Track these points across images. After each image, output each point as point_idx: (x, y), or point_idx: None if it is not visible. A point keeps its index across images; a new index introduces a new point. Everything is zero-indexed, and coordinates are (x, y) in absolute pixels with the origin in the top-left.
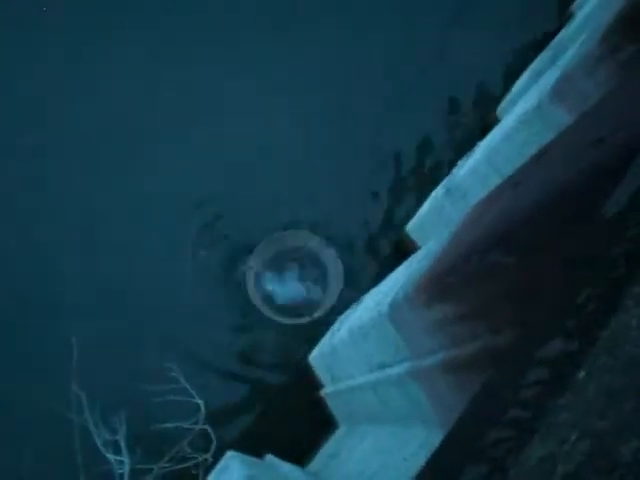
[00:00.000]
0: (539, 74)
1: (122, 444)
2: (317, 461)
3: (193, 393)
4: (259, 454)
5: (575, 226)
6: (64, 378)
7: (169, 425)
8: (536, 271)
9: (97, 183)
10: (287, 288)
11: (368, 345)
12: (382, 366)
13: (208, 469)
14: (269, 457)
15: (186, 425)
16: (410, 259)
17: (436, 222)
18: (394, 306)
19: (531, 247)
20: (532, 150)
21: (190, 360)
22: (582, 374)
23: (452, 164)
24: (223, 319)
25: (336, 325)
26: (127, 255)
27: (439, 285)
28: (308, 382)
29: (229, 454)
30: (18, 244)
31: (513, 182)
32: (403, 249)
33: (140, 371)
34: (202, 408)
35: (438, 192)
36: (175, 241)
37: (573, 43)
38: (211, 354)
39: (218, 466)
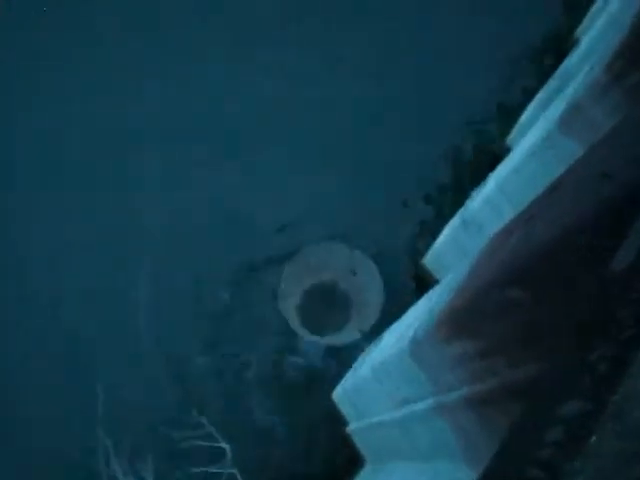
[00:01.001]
0: (547, 103)
1: None
2: None
3: (218, 437)
4: None
5: (587, 269)
6: (90, 427)
7: (196, 470)
8: (553, 308)
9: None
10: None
11: (391, 381)
12: (406, 402)
13: None
14: None
15: (213, 469)
16: (429, 293)
17: (453, 253)
18: (415, 342)
19: (547, 283)
20: (543, 181)
21: (215, 405)
22: (594, 438)
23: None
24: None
25: (358, 362)
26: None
27: (458, 321)
28: (336, 419)
29: None
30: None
31: (526, 216)
32: (422, 281)
33: (166, 417)
34: (228, 452)
35: (454, 223)
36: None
37: (579, 71)
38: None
39: None
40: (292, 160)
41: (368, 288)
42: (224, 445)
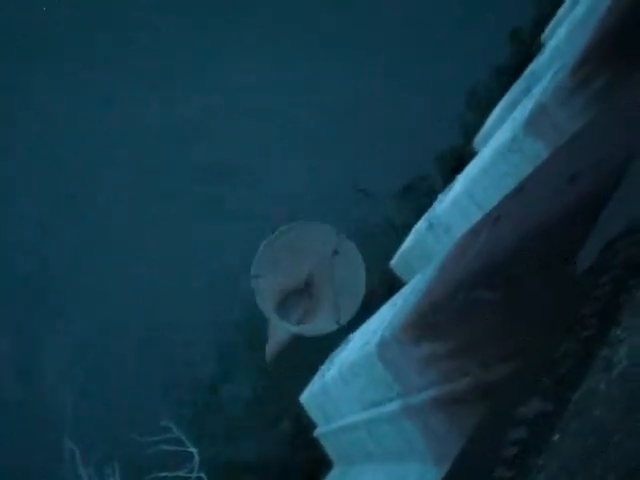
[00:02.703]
0: (513, 105)
1: None
2: None
3: (186, 442)
4: None
5: (552, 270)
6: (57, 432)
7: (164, 474)
8: (519, 308)
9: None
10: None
11: (359, 384)
12: (374, 404)
13: None
14: None
15: (181, 474)
16: (396, 296)
17: (420, 257)
18: (382, 345)
19: (513, 284)
20: (510, 182)
21: (183, 409)
22: (557, 437)
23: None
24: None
25: (326, 365)
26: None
27: (426, 322)
28: (303, 422)
29: None
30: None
31: (493, 217)
32: (389, 284)
33: (133, 421)
34: (196, 456)
35: (421, 226)
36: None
37: (545, 74)
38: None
39: None
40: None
41: (350, 276)
42: (192, 449)
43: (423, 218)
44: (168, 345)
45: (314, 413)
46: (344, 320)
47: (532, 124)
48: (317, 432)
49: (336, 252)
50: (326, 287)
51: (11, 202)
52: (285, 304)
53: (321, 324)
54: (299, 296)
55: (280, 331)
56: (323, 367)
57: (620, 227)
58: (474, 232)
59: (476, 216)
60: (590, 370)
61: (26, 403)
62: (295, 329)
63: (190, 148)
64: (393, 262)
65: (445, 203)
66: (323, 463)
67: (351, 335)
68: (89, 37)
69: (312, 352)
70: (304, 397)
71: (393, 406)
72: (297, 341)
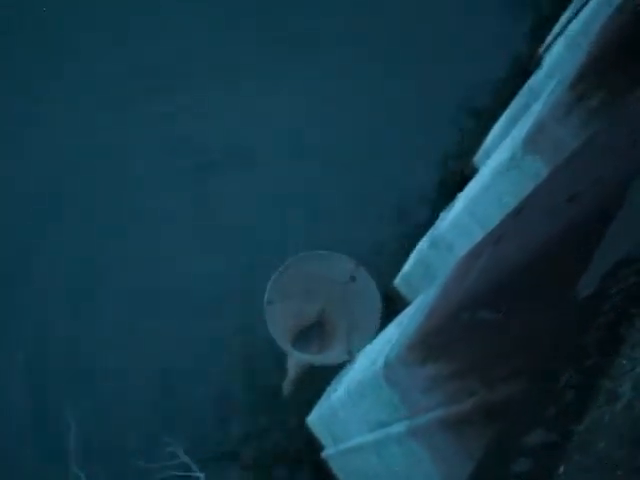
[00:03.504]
0: (513, 121)
1: None
2: None
3: (193, 467)
4: None
5: (554, 293)
6: (62, 459)
7: None
8: (521, 331)
9: None
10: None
11: (366, 404)
12: (381, 425)
13: None
14: None
15: None
16: (401, 316)
17: (423, 275)
18: (388, 365)
19: (515, 306)
20: (510, 201)
21: (190, 434)
22: (561, 469)
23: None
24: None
25: (332, 386)
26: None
27: (430, 343)
28: (312, 444)
29: None
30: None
31: (494, 237)
32: (393, 303)
33: (139, 448)
34: None
35: (423, 245)
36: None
37: (544, 90)
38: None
39: None
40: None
41: (364, 307)
42: (199, 474)
43: (425, 237)
44: (175, 374)
45: (321, 435)
46: (356, 351)
47: (531, 141)
48: (325, 454)
49: (353, 279)
50: (340, 318)
51: None
52: (300, 337)
53: (334, 354)
54: (314, 330)
55: (293, 360)
56: (329, 388)
57: (621, 254)
58: (476, 252)
59: (478, 234)
60: (594, 401)
61: (33, 424)
62: (306, 358)
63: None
64: (397, 281)
65: (447, 221)
66: None
67: (357, 354)
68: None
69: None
70: (311, 419)
71: (400, 427)
72: (314, 371)
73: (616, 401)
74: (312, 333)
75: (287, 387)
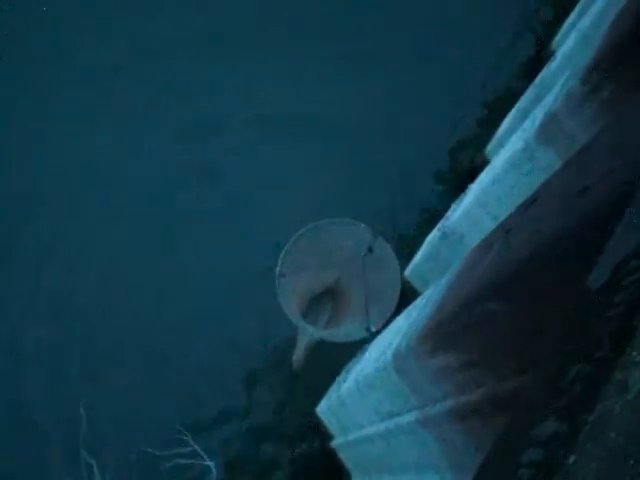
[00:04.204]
0: (525, 113)
1: None
2: None
3: (204, 455)
4: None
5: (565, 285)
6: (74, 445)
7: None
8: (531, 323)
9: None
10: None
11: (375, 395)
12: (391, 415)
13: None
14: None
15: None
16: (411, 307)
17: (434, 266)
18: (397, 356)
19: (525, 297)
20: (523, 192)
21: (201, 421)
22: (572, 459)
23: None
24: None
25: (341, 376)
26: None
27: (441, 334)
28: (322, 433)
29: None
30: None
31: (504, 229)
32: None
33: (149, 434)
34: (213, 470)
35: (434, 236)
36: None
37: (556, 82)
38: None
39: None
40: None
41: (383, 280)
42: (209, 462)
43: (436, 228)
44: (186, 358)
45: (331, 424)
46: (375, 327)
47: (543, 133)
48: (334, 443)
49: (370, 250)
50: (356, 290)
51: None
52: (311, 307)
53: (349, 329)
54: (326, 299)
55: (305, 336)
56: (339, 378)
57: (632, 246)
58: (486, 244)
59: (489, 226)
60: (605, 392)
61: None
62: (320, 334)
63: None
64: (407, 272)
65: (458, 213)
66: (344, 473)
67: (367, 345)
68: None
69: (343, 358)
70: (320, 408)
71: (410, 417)
72: (325, 347)
73: (627, 392)
74: (323, 303)
75: (298, 362)
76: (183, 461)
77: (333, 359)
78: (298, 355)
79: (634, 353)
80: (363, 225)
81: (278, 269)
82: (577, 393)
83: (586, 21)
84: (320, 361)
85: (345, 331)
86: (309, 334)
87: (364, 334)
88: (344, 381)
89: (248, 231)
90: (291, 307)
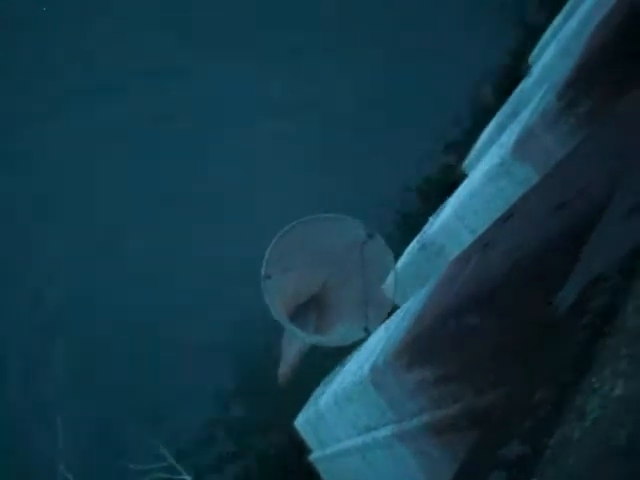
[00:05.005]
0: (502, 128)
1: None
2: None
3: (181, 470)
4: None
5: (537, 302)
6: (50, 460)
7: None
8: (505, 339)
9: None
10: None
11: (353, 408)
12: (368, 429)
13: None
14: None
15: None
16: (390, 319)
17: (412, 279)
18: (375, 370)
19: (500, 313)
20: (499, 205)
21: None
22: None
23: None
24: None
25: (319, 389)
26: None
27: (418, 348)
28: (301, 446)
29: None
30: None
31: (482, 243)
32: None
33: (125, 449)
34: None
35: (413, 248)
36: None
37: (532, 96)
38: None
39: None
40: None
41: (378, 278)
42: (186, 477)
43: (415, 239)
44: (162, 372)
45: (309, 438)
46: (373, 327)
47: (520, 147)
48: (312, 457)
49: (371, 236)
50: (349, 289)
51: None
52: (298, 311)
53: (345, 332)
54: (312, 306)
55: (295, 343)
56: (317, 391)
57: (596, 271)
58: (464, 258)
59: (467, 239)
60: (565, 417)
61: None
62: (313, 339)
63: None
64: (384, 284)
65: (436, 225)
66: None
67: (347, 357)
68: None
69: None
70: (299, 422)
71: (387, 431)
72: (313, 355)
73: (585, 418)
74: (309, 312)
75: (284, 375)
76: (161, 475)
77: (324, 371)
78: (285, 368)
79: (593, 379)
80: (355, 220)
81: (263, 270)
82: (541, 416)
83: (564, 34)
84: (310, 373)
85: (341, 334)
86: (301, 340)
87: (362, 335)
88: (322, 394)
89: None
90: (280, 311)
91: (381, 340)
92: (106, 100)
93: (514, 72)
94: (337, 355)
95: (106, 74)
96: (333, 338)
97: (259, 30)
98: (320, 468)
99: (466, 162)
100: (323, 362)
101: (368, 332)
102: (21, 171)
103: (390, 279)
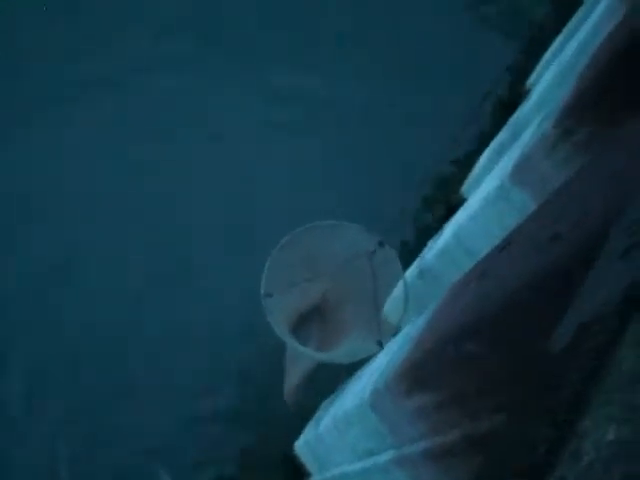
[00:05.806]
0: (500, 152)
1: None
2: None
3: None
4: None
5: (532, 336)
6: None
7: None
8: (502, 368)
9: None
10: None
11: (353, 433)
12: (368, 454)
13: None
14: None
15: None
16: (390, 344)
17: (412, 304)
18: (375, 395)
19: (497, 342)
20: (499, 232)
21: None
22: None
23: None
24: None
25: (319, 413)
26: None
27: (417, 374)
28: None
29: None
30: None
31: (479, 272)
32: None
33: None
34: None
35: (411, 273)
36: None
37: (531, 121)
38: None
39: None
40: None
41: (387, 289)
42: None
43: (414, 265)
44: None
45: (309, 462)
46: (386, 340)
47: (517, 174)
48: None
49: (374, 252)
50: (354, 302)
51: None
52: (298, 325)
53: (355, 347)
54: (315, 314)
55: (300, 363)
56: (317, 414)
57: (591, 311)
58: (463, 284)
59: (466, 264)
60: (561, 459)
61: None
62: (320, 357)
63: None
64: (385, 309)
65: (434, 250)
66: None
67: (347, 382)
68: None
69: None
70: (298, 445)
71: (387, 456)
72: (320, 373)
73: (580, 460)
74: (311, 322)
75: (290, 396)
76: None
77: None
78: (290, 387)
79: (587, 423)
80: (357, 226)
81: (263, 289)
82: (538, 456)
83: (563, 59)
84: (319, 392)
85: (350, 349)
86: (308, 358)
87: (375, 349)
88: (322, 418)
89: None
90: (284, 331)
91: (382, 363)
92: (106, 100)
93: (515, 93)
94: (347, 372)
95: (107, 70)
96: (342, 354)
97: (259, 30)
98: None
99: (464, 187)
100: (335, 380)
101: (381, 346)
102: None
103: (399, 289)
